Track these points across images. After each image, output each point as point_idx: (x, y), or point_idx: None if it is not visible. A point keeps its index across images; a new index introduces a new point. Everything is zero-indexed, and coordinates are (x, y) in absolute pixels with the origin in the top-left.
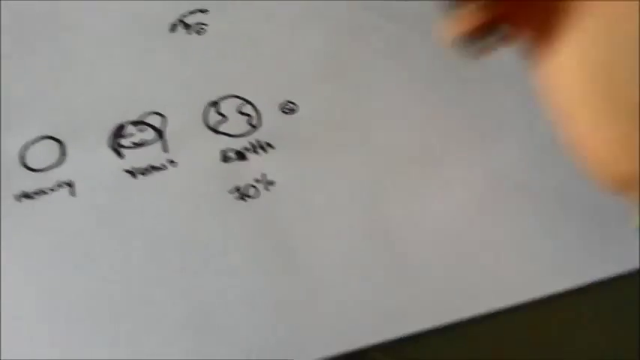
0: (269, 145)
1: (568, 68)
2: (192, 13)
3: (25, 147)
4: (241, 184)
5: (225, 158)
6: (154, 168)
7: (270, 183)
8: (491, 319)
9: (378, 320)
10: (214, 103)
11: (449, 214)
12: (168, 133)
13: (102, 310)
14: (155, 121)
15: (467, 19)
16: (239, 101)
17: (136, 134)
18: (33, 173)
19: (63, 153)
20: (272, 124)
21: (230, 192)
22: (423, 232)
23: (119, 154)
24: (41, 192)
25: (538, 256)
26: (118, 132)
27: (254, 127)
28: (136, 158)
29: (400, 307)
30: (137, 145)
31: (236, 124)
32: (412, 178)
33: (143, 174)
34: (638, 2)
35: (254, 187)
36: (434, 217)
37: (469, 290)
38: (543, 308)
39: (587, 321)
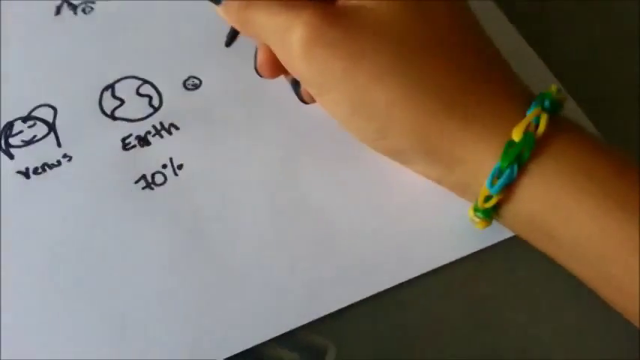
0: (173, 126)
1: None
2: None
3: None
4: (147, 172)
5: (126, 146)
6: (48, 166)
7: (179, 167)
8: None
9: (308, 299)
10: (109, 87)
11: (367, 179)
12: (60, 126)
13: (7, 326)
14: (46, 114)
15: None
16: (137, 82)
17: (25, 131)
18: None
19: None
20: (174, 104)
21: (135, 182)
22: (343, 201)
23: (9, 155)
24: None
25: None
26: (7, 131)
27: (155, 108)
28: (28, 157)
29: (328, 282)
30: (28, 142)
31: (135, 107)
32: (326, 147)
33: (37, 173)
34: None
35: (161, 173)
36: (352, 184)
37: (396, 257)
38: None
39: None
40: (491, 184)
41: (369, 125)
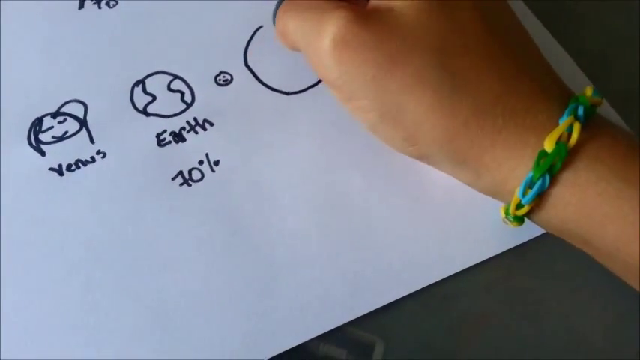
0: (207, 122)
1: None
2: None
3: None
4: (184, 168)
5: (161, 142)
6: (82, 162)
7: (216, 163)
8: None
9: (353, 295)
10: (139, 83)
11: (406, 174)
12: (91, 122)
13: (50, 325)
14: (76, 109)
15: None
16: (167, 77)
17: (56, 127)
18: None
19: None
20: (207, 99)
21: (173, 179)
22: (382, 197)
23: (41, 152)
24: None
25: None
26: (37, 127)
27: (188, 104)
28: (60, 154)
29: (373, 278)
30: (59, 139)
31: (168, 103)
32: (363, 142)
33: (71, 170)
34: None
35: (198, 169)
36: (391, 179)
37: (438, 252)
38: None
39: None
40: (523, 195)
41: (396, 134)
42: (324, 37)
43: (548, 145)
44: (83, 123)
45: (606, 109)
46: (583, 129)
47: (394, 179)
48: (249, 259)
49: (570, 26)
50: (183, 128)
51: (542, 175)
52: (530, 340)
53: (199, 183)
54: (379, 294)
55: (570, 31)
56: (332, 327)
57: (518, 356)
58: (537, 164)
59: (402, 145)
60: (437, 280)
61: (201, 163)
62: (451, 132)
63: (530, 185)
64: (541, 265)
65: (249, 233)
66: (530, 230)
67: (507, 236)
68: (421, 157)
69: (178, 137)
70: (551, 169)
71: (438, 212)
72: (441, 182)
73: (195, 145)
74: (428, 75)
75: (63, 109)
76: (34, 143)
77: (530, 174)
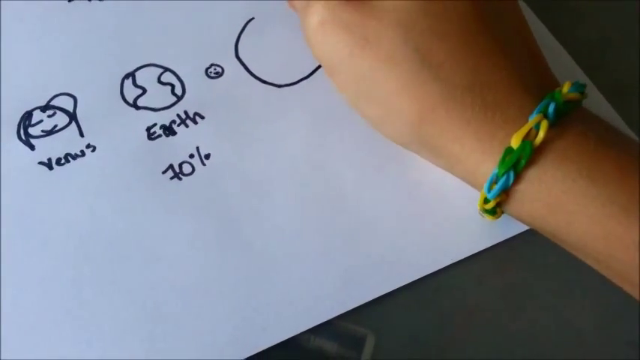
0: (198, 115)
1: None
2: None
3: None
4: (174, 161)
5: (152, 135)
6: (71, 156)
7: (206, 156)
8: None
9: (344, 288)
10: (129, 75)
11: (398, 167)
12: (81, 116)
13: (39, 320)
14: (65, 103)
15: None
16: (157, 70)
17: (45, 120)
18: None
19: None
20: (198, 92)
21: (163, 172)
22: (373, 190)
23: (30, 146)
24: None
25: None
26: (26, 121)
27: (179, 97)
28: (49, 147)
29: (363, 271)
30: (49, 132)
31: (158, 95)
32: (354, 134)
33: (60, 164)
34: None
35: (189, 163)
36: (382, 172)
37: (429, 246)
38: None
39: None
40: (489, 189)
41: (372, 111)
42: (311, 16)
43: (515, 142)
44: (73, 116)
45: (600, 101)
46: (553, 126)
47: (386, 173)
48: (239, 252)
49: (566, 19)
50: (173, 121)
51: (507, 172)
52: (521, 333)
53: (190, 177)
54: (370, 287)
55: (566, 25)
56: (323, 320)
57: (509, 349)
58: (503, 160)
59: (379, 124)
60: (428, 273)
61: (191, 156)
62: (420, 116)
63: (496, 180)
64: (532, 259)
65: (239, 227)
66: (521, 223)
67: (498, 229)
68: (397, 140)
69: (169, 130)
70: (517, 165)
71: (429, 206)
72: (432, 176)
73: (186, 139)
74: (398, 55)
75: (52, 103)
76: (23, 137)
77: (496, 169)
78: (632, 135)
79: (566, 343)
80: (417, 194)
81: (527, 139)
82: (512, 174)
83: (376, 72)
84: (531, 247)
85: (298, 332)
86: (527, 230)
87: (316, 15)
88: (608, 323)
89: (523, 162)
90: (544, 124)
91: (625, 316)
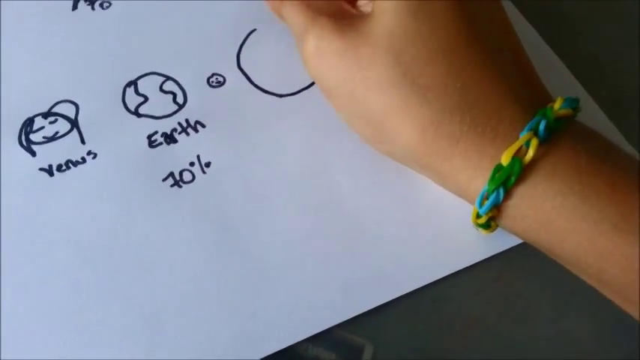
0: (199, 123)
1: (341, 111)
2: None
3: None
4: (175, 169)
5: (153, 143)
6: (72, 163)
7: (207, 165)
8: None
9: (343, 298)
10: (132, 83)
11: (397, 177)
12: (82, 123)
13: (38, 325)
14: (67, 110)
15: None
16: (160, 78)
17: (47, 127)
18: None
19: None
20: (199, 101)
21: (163, 180)
22: (373, 199)
23: (31, 152)
24: None
25: None
26: (28, 127)
27: (180, 105)
28: (50, 154)
29: (363, 281)
30: (50, 139)
31: (160, 104)
32: (353, 144)
33: (61, 170)
34: None
35: (189, 171)
36: (382, 181)
37: (428, 256)
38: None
39: None
40: (481, 205)
41: (366, 131)
42: (306, 42)
43: (505, 159)
44: (74, 123)
45: (597, 115)
46: (544, 142)
47: (385, 183)
48: (239, 260)
49: (563, 31)
50: (174, 129)
51: (497, 188)
52: (519, 343)
53: (190, 184)
54: (368, 297)
55: (565, 39)
56: (321, 329)
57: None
58: (493, 177)
59: (373, 142)
60: (426, 283)
61: (192, 164)
62: (410, 137)
63: (487, 196)
64: (530, 269)
65: (239, 235)
66: None
67: (496, 241)
68: (391, 157)
69: (170, 138)
70: (506, 182)
71: (427, 215)
72: (430, 186)
73: (187, 147)
74: (388, 80)
75: (54, 110)
76: (24, 143)
77: (486, 186)
78: (630, 149)
79: (564, 355)
80: (415, 205)
81: (518, 155)
82: (502, 191)
83: (369, 96)
84: (529, 258)
85: (296, 341)
86: (524, 242)
87: (311, 42)
88: (605, 334)
89: (513, 179)
90: (534, 143)
91: (624, 328)
